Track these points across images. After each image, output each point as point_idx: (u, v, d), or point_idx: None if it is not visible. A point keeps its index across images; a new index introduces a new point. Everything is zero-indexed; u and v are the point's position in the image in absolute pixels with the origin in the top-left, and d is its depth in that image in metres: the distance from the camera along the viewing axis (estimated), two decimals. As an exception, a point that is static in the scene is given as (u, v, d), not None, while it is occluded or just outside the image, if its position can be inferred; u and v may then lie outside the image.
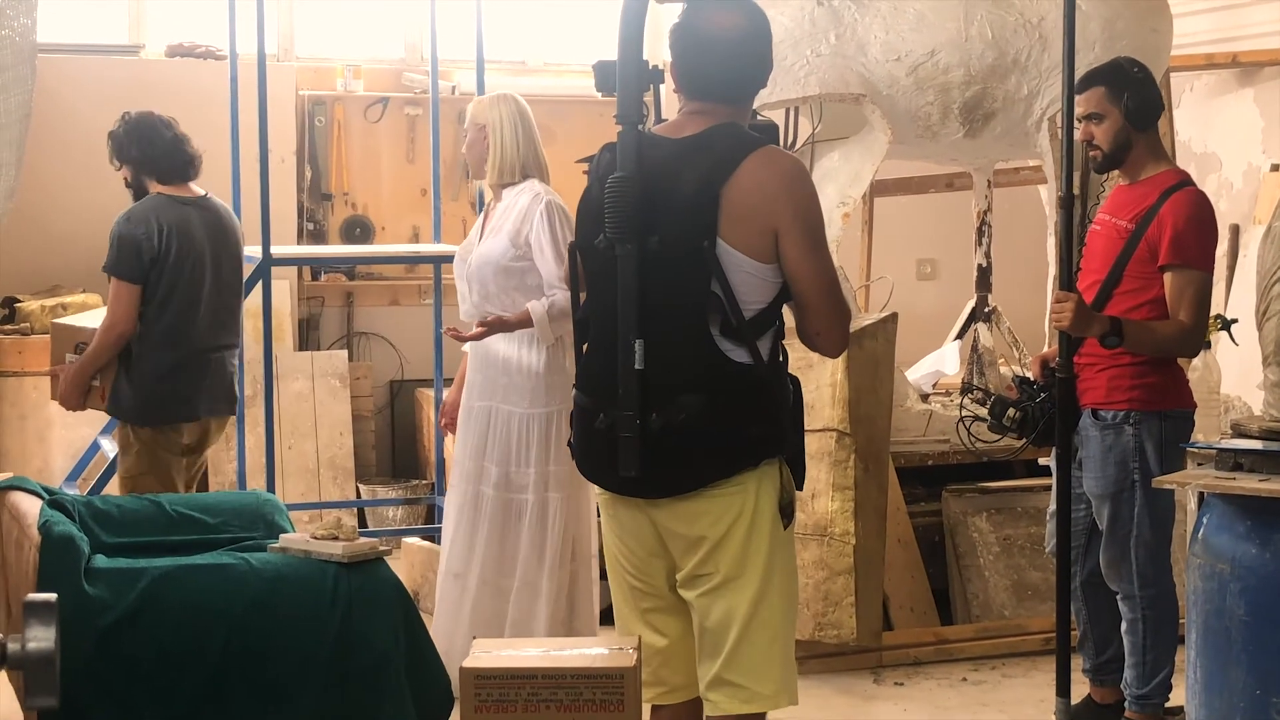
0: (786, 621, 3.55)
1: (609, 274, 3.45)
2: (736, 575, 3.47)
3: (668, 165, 3.43)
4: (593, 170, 3.60)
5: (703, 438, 3.40)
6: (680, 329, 3.40)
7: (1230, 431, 4.52)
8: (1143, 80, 4.85)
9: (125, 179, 5.81)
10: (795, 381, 3.55)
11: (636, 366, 3.39)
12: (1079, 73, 4.81)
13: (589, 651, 3.58)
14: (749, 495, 3.44)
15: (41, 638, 1.54)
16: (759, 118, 3.75)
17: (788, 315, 3.55)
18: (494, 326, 5.20)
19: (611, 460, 3.44)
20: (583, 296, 3.64)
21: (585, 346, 3.62)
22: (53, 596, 1.57)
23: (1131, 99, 4.80)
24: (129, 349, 5.63)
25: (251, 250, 7.02)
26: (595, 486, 3.67)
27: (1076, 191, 4.83)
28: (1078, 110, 4.81)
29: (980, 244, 7.04)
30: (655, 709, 3.72)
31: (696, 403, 3.38)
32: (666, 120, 3.63)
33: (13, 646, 1.55)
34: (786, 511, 3.50)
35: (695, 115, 3.52)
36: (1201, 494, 4.34)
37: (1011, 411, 5.00)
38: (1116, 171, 4.98)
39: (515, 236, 5.25)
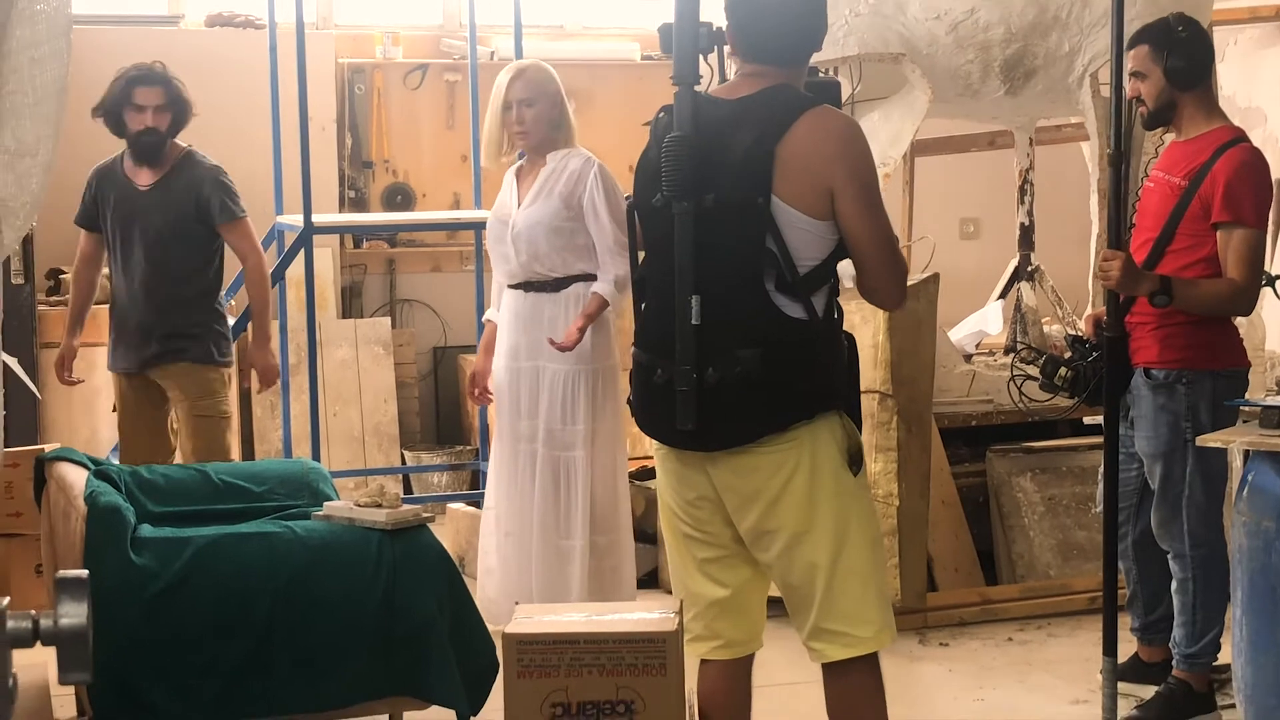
0: (874, 565, 3.59)
1: (666, 233, 3.51)
2: (806, 529, 3.50)
3: (723, 125, 3.48)
4: (651, 131, 3.64)
5: (757, 391, 3.44)
6: (736, 285, 3.46)
7: (1276, 388, 4.49)
8: (1188, 39, 4.80)
9: (156, 126, 5.91)
10: (850, 338, 3.60)
11: (693, 322, 3.44)
12: (1112, 29, 4.77)
13: (631, 616, 3.60)
14: (804, 449, 3.48)
15: (74, 614, 1.55)
16: (820, 75, 3.76)
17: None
18: (585, 327, 5.31)
19: (669, 414, 3.50)
20: (640, 256, 3.71)
21: (644, 304, 3.68)
22: (84, 573, 1.58)
23: (1173, 58, 4.75)
24: (214, 290, 6.06)
25: (293, 219, 7.06)
26: (653, 441, 3.71)
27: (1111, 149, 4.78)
28: (1127, 66, 4.77)
29: (1022, 202, 7.00)
30: (704, 664, 3.74)
31: (752, 357, 3.42)
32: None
33: (45, 623, 1.56)
34: (855, 459, 3.54)
35: (751, 77, 3.57)
36: (1247, 451, 4.32)
37: (1063, 370, 4.97)
38: (1169, 130, 4.94)
39: (569, 199, 5.35)
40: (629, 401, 3.76)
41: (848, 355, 3.59)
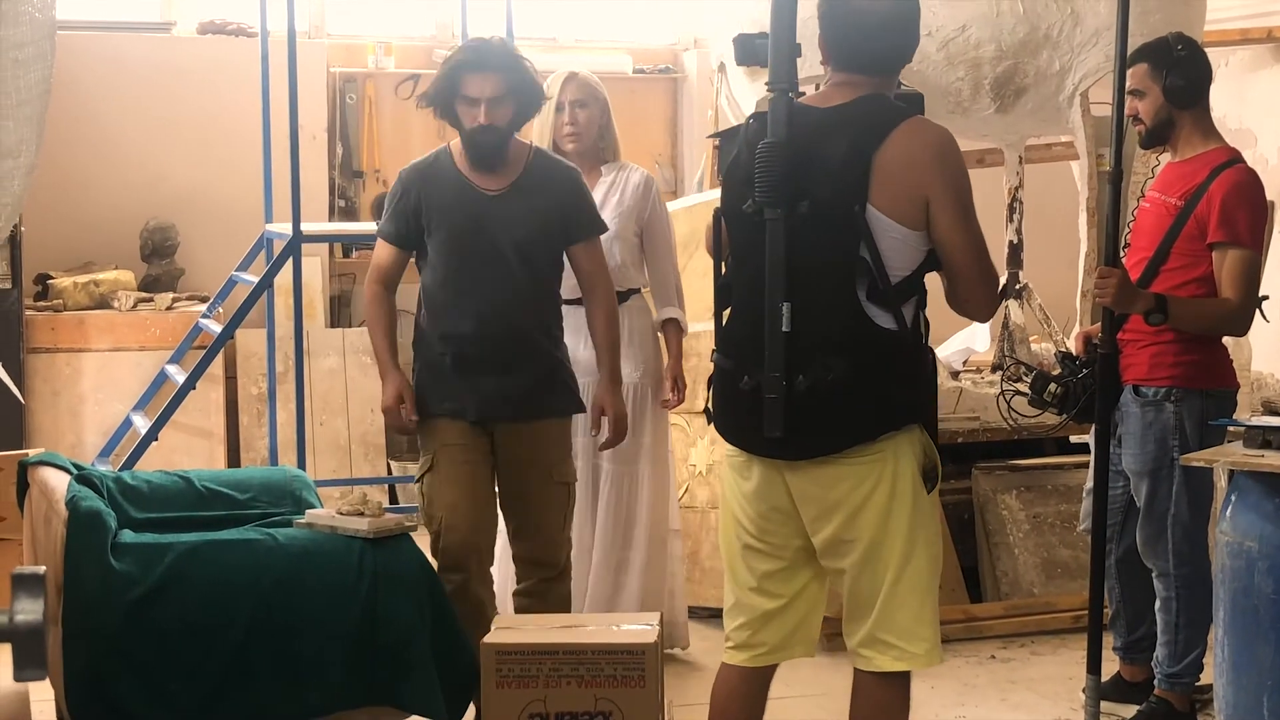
0: (933, 583, 3.63)
1: (756, 239, 3.52)
2: (880, 540, 3.53)
3: (817, 133, 3.50)
4: (740, 138, 3.66)
5: (848, 400, 3.47)
6: (827, 293, 3.48)
7: (1261, 409, 4.50)
8: (1187, 59, 4.81)
9: (494, 123, 4.64)
10: (932, 352, 3.62)
11: (784, 329, 3.45)
12: (1113, 47, 4.77)
13: (610, 628, 3.60)
14: (888, 461, 3.51)
15: (29, 610, 1.54)
16: (903, 87, 3.79)
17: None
18: (679, 370, 5.48)
19: (754, 422, 3.51)
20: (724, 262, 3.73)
21: (728, 311, 3.70)
22: (41, 569, 1.57)
23: (1172, 77, 4.76)
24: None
25: (282, 227, 7.04)
26: (728, 447, 3.72)
27: (1110, 167, 4.79)
28: (1127, 85, 4.78)
29: (1011, 220, 6.99)
30: (726, 667, 3.76)
31: (844, 365, 3.44)
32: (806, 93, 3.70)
33: (0, 619, 1.55)
34: (930, 476, 3.57)
35: (843, 86, 3.61)
36: (1231, 471, 4.32)
37: (1053, 387, 4.98)
38: (1165, 150, 4.95)
39: (639, 213, 5.42)
40: (707, 409, 3.77)
41: (930, 368, 3.62)
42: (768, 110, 3.53)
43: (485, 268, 4.64)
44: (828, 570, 3.66)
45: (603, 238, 5.27)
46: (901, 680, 3.65)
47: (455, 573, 4.56)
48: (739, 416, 3.61)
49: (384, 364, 4.78)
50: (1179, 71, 4.78)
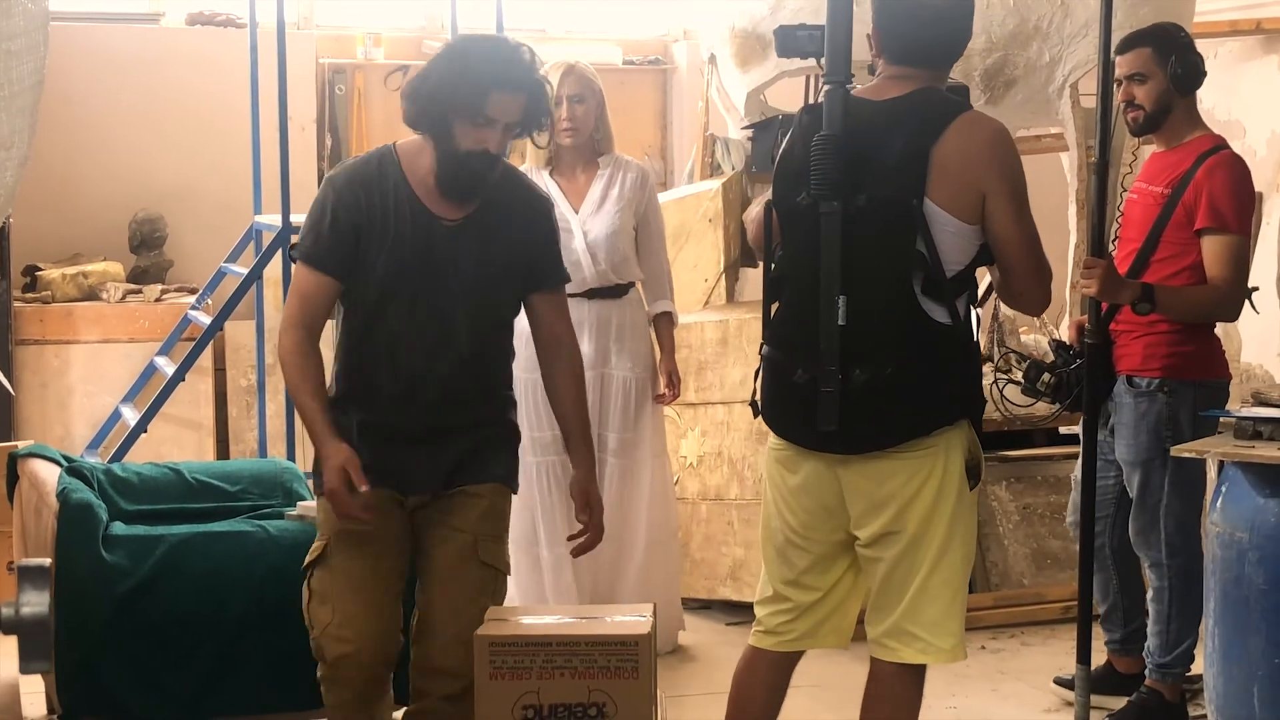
0: (965, 581, 3.64)
1: (809, 232, 3.51)
2: (923, 533, 3.54)
3: (873, 126, 3.50)
4: (794, 130, 3.65)
5: (904, 394, 3.47)
6: (883, 286, 3.48)
7: (1251, 400, 4.50)
8: (1189, 45, 4.85)
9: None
10: (980, 345, 3.64)
11: (840, 323, 3.44)
12: (1099, 38, 4.78)
13: (604, 619, 3.59)
14: (939, 455, 3.52)
15: (35, 602, 1.54)
16: (950, 81, 3.78)
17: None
18: (673, 365, 5.51)
19: (807, 415, 3.50)
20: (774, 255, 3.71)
21: (777, 304, 3.68)
22: (46, 561, 1.57)
23: (1178, 63, 4.78)
24: None
25: (272, 218, 7.03)
26: (775, 442, 3.71)
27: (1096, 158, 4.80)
28: (1120, 71, 4.79)
29: (1001, 212, 7.00)
30: (754, 650, 3.77)
31: (901, 359, 3.45)
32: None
33: (6, 611, 1.55)
34: (974, 472, 3.58)
35: (896, 79, 3.60)
36: (1221, 462, 4.33)
37: (1047, 376, 4.98)
38: (1152, 140, 4.95)
39: (637, 207, 5.40)
40: (753, 402, 3.75)
41: (980, 363, 3.65)
42: (823, 102, 3.51)
43: (430, 316, 3.76)
44: (864, 559, 3.65)
45: (605, 231, 5.28)
46: (919, 674, 3.65)
47: (339, 691, 3.75)
48: (790, 410, 3.60)
49: (319, 432, 3.70)
50: (1184, 58, 4.79)
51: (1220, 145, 4.83)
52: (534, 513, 5.35)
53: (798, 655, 3.80)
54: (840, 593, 3.73)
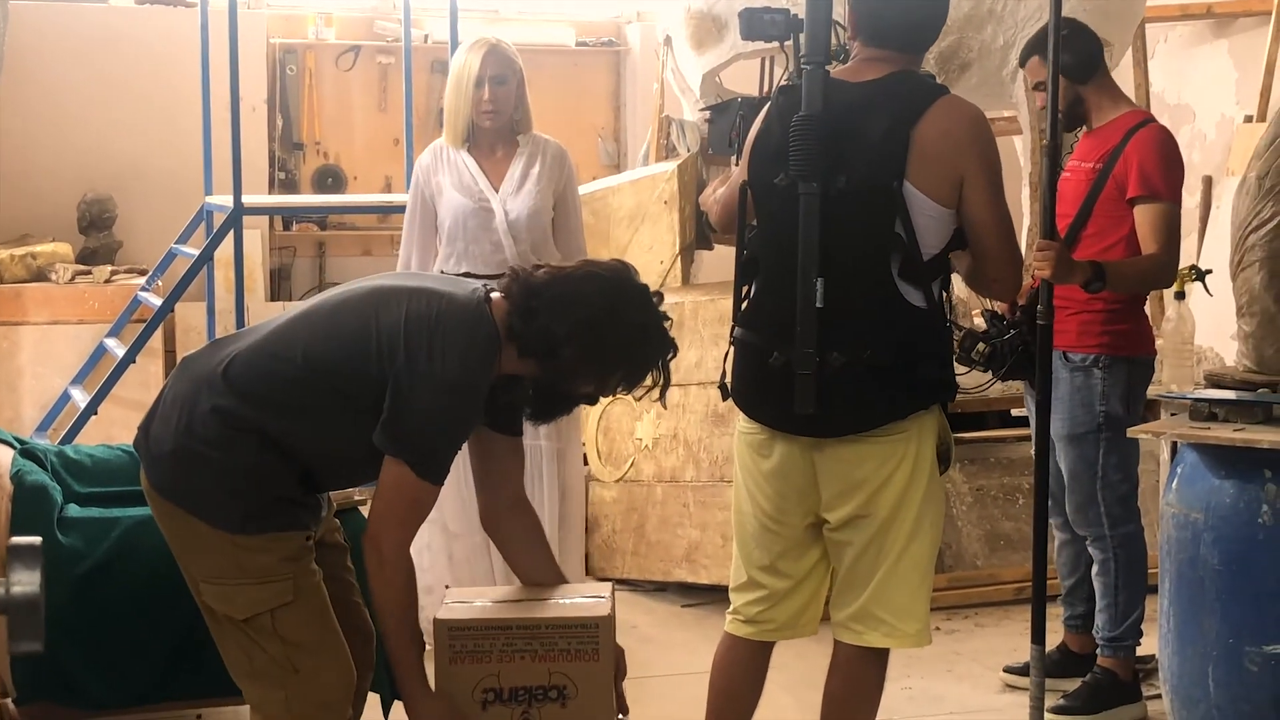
0: (931, 565, 3.64)
1: (786, 213, 3.49)
2: (893, 517, 3.54)
3: (851, 107, 3.48)
4: (770, 110, 3.63)
5: (881, 377, 3.46)
6: (861, 269, 3.46)
7: (1204, 382, 4.54)
8: (1070, 36, 4.84)
9: None
10: (951, 329, 3.63)
11: (817, 305, 3.42)
12: (1050, 20, 4.79)
13: (563, 601, 3.58)
14: (912, 440, 3.52)
15: (26, 581, 1.53)
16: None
17: None
18: None
19: (782, 398, 3.48)
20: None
21: (752, 285, 3.65)
22: (37, 540, 1.55)
23: (1062, 57, 4.80)
24: None
25: (223, 199, 6.99)
26: (746, 425, 3.69)
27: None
28: (1028, 81, 4.86)
29: (954, 195, 7.02)
30: (731, 638, 3.77)
31: (878, 342, 3.44)
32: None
33: (-5, 590, 1.54)
34: (944, 457, 3.58)
35: (873, 61, 3.59)
36: (1175, 444, 4.36)
37: (981, 346, 5.00)
38: (1084, 126, 5.01)
39: (556, 186, 5.32)
40: (722, 385, 3.72)
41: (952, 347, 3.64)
42: (801, 83, 3.49)
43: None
44: (831, 543, 3.65)
45: (525, 211, 5.24)
46: (883, 658, 3.66)
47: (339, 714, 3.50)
48: (765, 393, 3.59)
49: (416, 690, 3.39)
50: (1067, 50, 4.81)
51: (1148, 119, 4.94)
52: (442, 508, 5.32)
53: (774, 643, 3.81)
54: (815, 581, 3.73)
